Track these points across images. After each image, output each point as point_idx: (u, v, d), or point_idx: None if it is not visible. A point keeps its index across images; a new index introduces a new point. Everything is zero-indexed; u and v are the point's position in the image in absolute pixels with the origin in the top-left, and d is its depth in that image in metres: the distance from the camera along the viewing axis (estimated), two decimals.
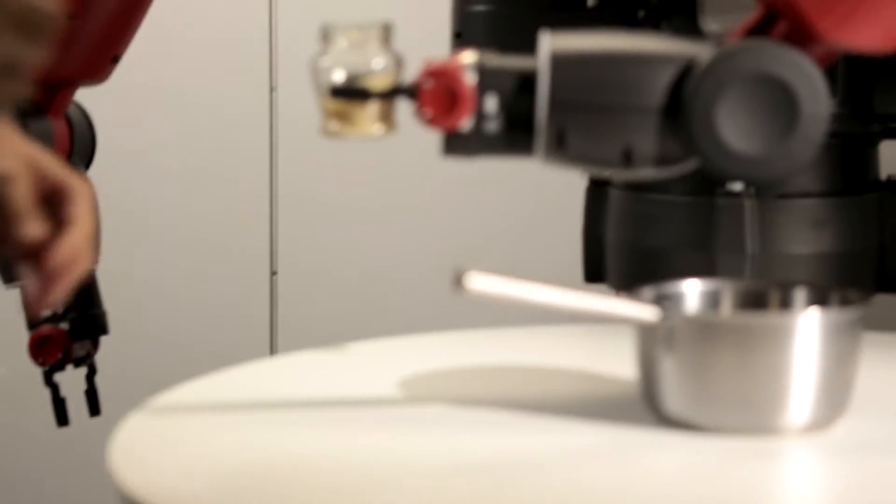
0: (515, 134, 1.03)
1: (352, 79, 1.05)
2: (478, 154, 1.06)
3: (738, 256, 1.48)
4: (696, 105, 0.98)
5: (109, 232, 1.34)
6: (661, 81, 0.99)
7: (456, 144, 1.05)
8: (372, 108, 1.06)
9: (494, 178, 2.32)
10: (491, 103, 1.04)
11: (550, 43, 1.04)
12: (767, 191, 1.32)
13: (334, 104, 1.06)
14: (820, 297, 1.09)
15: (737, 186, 1.48)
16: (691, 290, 1.11)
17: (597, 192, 1.65)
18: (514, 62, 1.06)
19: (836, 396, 1.01)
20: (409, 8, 2.25)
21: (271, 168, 2.44)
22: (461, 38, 1.56)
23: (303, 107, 2.33)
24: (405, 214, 2.44)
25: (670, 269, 1.52)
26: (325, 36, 1.07)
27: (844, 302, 1.06)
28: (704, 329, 1.00)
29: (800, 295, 1.10)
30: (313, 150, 2.35)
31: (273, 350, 2.49)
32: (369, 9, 2.28)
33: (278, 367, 1.26)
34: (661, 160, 1.01)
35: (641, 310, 1.00)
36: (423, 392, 1.13)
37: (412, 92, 1.04)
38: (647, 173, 1.02)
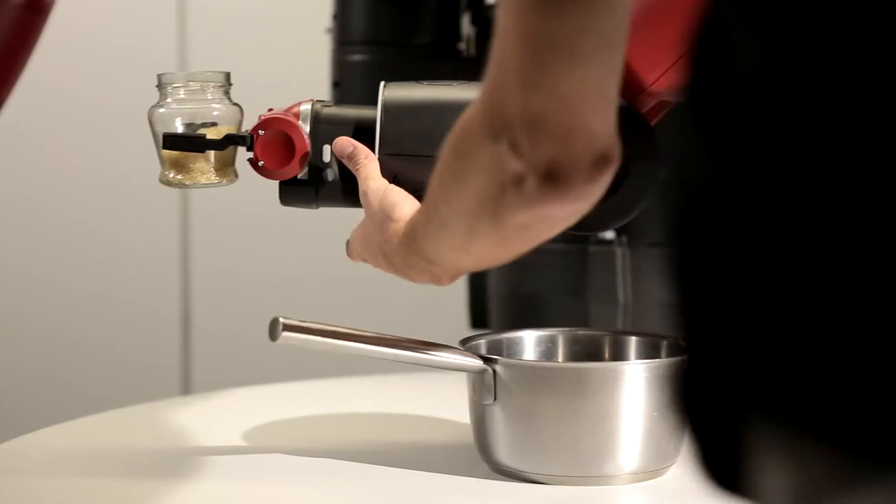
0: (352, 182, 1.04)
1: (189, 128, 1.06)
2: (315, 203, 1.07)
3: (611, 304, 1.49)
4: None
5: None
6: None
7: (293, 194, 1.06)
8: (208, 159, 1.06)
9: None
10: (328, 152, 1.05)
11: (385, 93, 1.06)
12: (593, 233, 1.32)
13: (171, 154, 1.06)
14: (654, 346, 1.10)
15: (609, 234, 1.49)
16: (528, 338, 1.12)
17: None
18: (351, 112, 1.08)
19: (665, 444, 1.02)
20: (290, 54, 2.26)
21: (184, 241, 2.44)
22: (339, 87, 1.57)
23: None
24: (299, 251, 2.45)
25: (547, 316, 1.53)
26: (162, 85, 1.08)
27: (676, 350, 1.06)
28: (530, 377, 1.00)
29: (635, 343, 1.11)
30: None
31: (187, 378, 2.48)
32: (256, 54, 2.30)
33: (131, 415, 1.25)
34: None
35: (465, 358, 1.01)
36: (262, 440, 1.13)
37: (247, 141, 1.05)
38: None
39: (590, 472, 1.00)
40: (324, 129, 1.06)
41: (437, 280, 0.94)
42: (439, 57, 1.56)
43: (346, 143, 1.04)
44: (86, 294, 2.38)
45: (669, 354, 1.06)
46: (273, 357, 1.94)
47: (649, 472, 1.01)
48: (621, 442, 1.00)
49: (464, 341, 1.06)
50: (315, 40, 1.74)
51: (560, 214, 0.80)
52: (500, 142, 0.75)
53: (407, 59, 1.55)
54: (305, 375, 1.45)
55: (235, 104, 1.09)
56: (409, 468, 1.03)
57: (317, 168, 1.06)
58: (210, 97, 1.07)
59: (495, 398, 1.00)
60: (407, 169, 1.02)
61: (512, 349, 1.10)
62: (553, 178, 0.75)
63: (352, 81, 1.56)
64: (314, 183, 1.06)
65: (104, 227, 2.38)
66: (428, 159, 1.02)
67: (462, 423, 1.07)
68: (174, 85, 1.07)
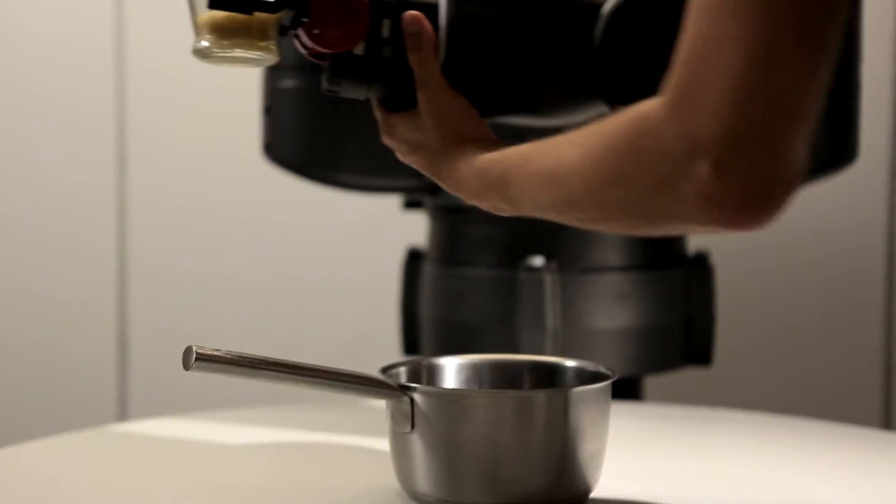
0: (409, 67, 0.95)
1: None
2: (367, 85, 0.96)
3: (540, 331, 1.49)
4: (608, 42, 0.95)
5: None
6: (567, 22, 0.95)
7: (346, 71, 0.95)
8: (253, 27, 0.93)
9: (313, 261, 2.32)
10: (386, 26, 0.96)
11: None
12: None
13: (211, 17, 0.93)
14: (578, 373, 1.10)
15: (537, 261, 1.49)
16: (451, 365, 1.12)
17: (412, 266, 1.66)
18: None
19: (583, 470, 1.02)
20: (224, 79, 2.26)
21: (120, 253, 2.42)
22: (271, 112, 1.57)
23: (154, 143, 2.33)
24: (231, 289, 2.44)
25: (478, 343, 1.53)
26: None
27: (598, 377, 1.06)
28: (448, 405, 1.00)
29: (559, 370, 1.11)
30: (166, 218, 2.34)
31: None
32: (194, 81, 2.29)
33: (54, 446, 1.24)
34: (562, 88, 0.97)
35: (383, 386, 1.00)
36: (181, 471, 1.12)
37: (302, 5, 0.93)
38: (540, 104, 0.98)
39: (509, 499, 0.99)
40: (380, 5, 0.95)
41: (498, 211, 0.95)
42: None
43: (415, 18, 0.96)
44: (17, 315, 2.36)
45: (591, 381, 1.06)
46: (204, 382, 1.93)
47: (567, 498, 1.01)
48: (540, 469, 1.00)
49: (385, 369, 1.06)
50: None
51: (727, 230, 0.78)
52: (697, 161, 0.72)
53: None
54: (236, 399, 1.45)
55: None
56: (329, 499, 1.03)
57: (373, 43, 0.95)
58: None
59: (413, 426, 1.00)
60: (475, 49, 0.95)
61: (433, 376, 1.10)
62: (750, 200, 0.72)
63: (283, 108, 1.56)
64: (370, 60, 0.95)
65: (36, 249, 2.36)
66: (497, 58, 0.95)
67: (382, 451, 1.07)
68: None
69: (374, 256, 2.22)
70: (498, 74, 0.95)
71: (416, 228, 1.83)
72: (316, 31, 0.93)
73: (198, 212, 2.33)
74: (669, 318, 1.55)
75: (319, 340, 2.29)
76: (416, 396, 1.00)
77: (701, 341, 1.57)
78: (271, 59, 0.95)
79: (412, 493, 1.02)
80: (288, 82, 1.55)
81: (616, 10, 0.94)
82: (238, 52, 0.94)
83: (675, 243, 1.59)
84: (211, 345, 0.95)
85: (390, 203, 1.90)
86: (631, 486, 1.07)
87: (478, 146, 0.95)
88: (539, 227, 1.51)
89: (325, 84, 0.98)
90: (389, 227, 2.08)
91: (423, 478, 1.01)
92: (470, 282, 1.55)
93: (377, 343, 2.06)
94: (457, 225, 1.57)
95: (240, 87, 2.05)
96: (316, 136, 1.56)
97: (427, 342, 1.61)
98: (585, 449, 1.01)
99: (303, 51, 0.97)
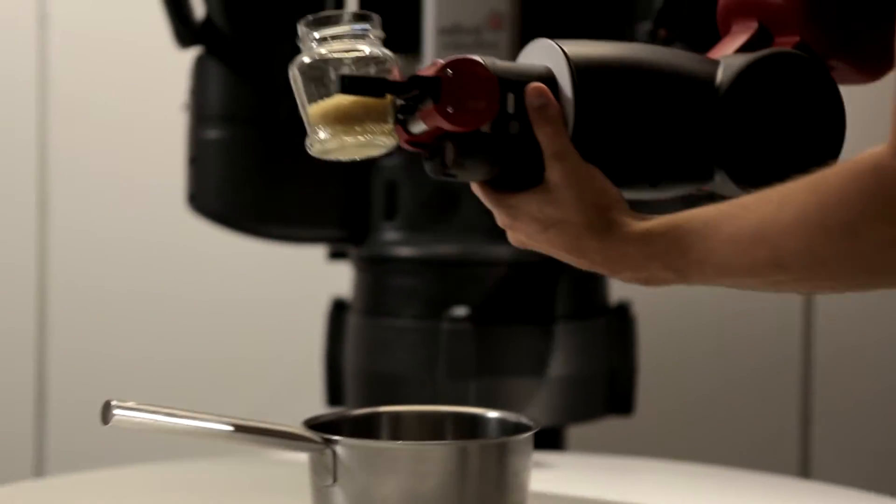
0: (533, 139, 0.92)
1: (361, 69, 0.90)
2: (496, 163, 0.93)
3: (463, 382, 1.50)
4: (730, 114, 0.94)
5: None
6: (688, 94, 0.94)
7: (475, 149, 0.91)
8: (377, 112, 0.90)
9: (236, 312, 2.32)
10: (511, 101, 0.92)
11: (568, 49, 0.94)
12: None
13: (332, 106, 0.89)
14: (500, 424, 1.10)
15: (461, 312, 1.50)
16: (375, 417, 1.12)
17: (336, 317, 1.66)
18: (526, 67, 0.94)
19: None
20: (146, 131, 2.25)
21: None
22: (196, 163, 1.57)
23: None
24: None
25: (401, 393, 1.53)
26: (307, 27, 0.92)
27: (520, 428, 1.07)
28: (370, 457, 1.00)
29: (481, 421, 1.11)
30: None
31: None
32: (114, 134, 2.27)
33: None
34: (683, 165, 0.95)
35: (304, 439, 1.00)
36: None
37: (434, 83, 0.89)
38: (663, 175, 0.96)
39: None
40: (504, 79, 0.91)
41: (652, 283, 0.92)
42: (296, 135, 1.57)
43: (539, 90, 0.92)
44: None
45: (514, 432, 1.06)
46: (125, 435, 1.90)
47: None
48: None
49: (307, 421, 1.05)
50: (172, 117, 1.74)
51: None
52: None
53: (264, 136, 1.56)
54: (157, 453, 1.43)
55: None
56: None
57: (500, 119, 0.92)
58: (371, 37, 0.92)
59: (335, 479, 1.00)
60: (602, 138, 0.93)
61: (357, 428, 1.10)
62: None
63: (208, 158, 1.56)
64: (498, 136, 0.92)
65: None
66: (622, 129, 0.92)
67: None
68: (326, 26, 0.91)
69: (298, 307, 2.21)
70: (622, 147, 0.94)
71: (340, 279, 1.84)
72: (450, 110, 0.90)
73: (119, 263, 2.31)
74: (591, 368, 1.56)
75: (242, 392, 2.27)
76: (339, 449, 1.00)
77: (622, 391, 1.59)
78: (393, 143, 0.92)
79: None
80: (213, 133, 1.55)
81: (735, 82, 0.95)
82: (363, 139, 0.90)
83: (598, 293, 1.60)
84: (131, 399, 0.94)
85: (315, 254, 1.90)
86: None
87: (629, 215, 0.92)
88: (462, 277, 1.53)
89: (437, 170, 0.93)
90: (314, 277, 2.08)
91: None
92: (394, 332, 1.55)
93: (300, 395, 2.05)
94: (381, 275, 1.58)
95: (166, 131, 2.04)
96: (241, 187, 1.56)
97: (351, 393, 1.60)
98: (508, 500, 1.01)
99: (408, 135, 0.94)
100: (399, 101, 0.92)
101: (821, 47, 0.98)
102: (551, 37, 0.95)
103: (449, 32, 1.52)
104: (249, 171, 1.56)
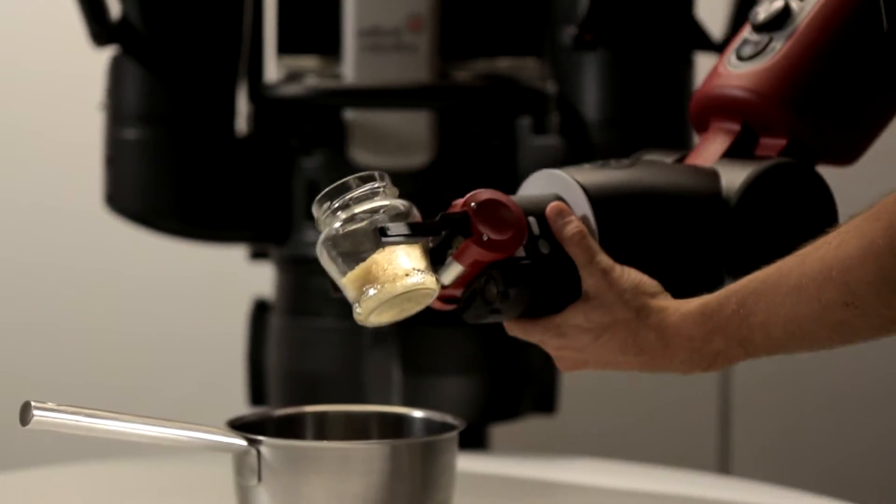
0: (565, 256, 0.94)
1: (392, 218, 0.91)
2: (535, 283, 0.94)
3: (387, 382, 1.50)
4: (739, 226, 0.97)
5: None
6: (695, 211, 0.98)
7: (516, 276, 0.93)
8: (417, 255, 0.91)
9: (157, 313, 2.30)
10: (534, 224, 0.95)
11: (580, 178, 0.98)
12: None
13: (367, 269, 0.90)
14: (425, 423, 1.10)
15: None
16: (299, 417, 1.11)
17: (258, 317, 1.65)
18: (532, 197, 0.98)
19: None
20: (63, 126, 2.22)
21: None
22: (113, 164, 1.55)
23: None
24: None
25: (325, 392, 1.52)
26: (324, 200, 0.94)
27: (445, 428, 1.07)
28: (294, 457, 0.99)
29: (406, 421, 1.11)
30: None
31: None
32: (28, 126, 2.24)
33: None
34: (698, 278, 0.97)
35: (228, 439, 0.99)
36: None
37: (462, 220, 0.92)
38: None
39: None
40: (522, 205, 0.94)
41: (717, 364, 0.91)
42: (215, 134, 1.55)
43: (559, 207, 0.95)
44: None
45: (439, 431, 1.06)
46: (43, 437, 1.88)
47: None
48: None
49: (230, 421, 1.04)
50: (89, 115, 1.71)
51: None
52: None
53: (182, 136, 1.54)
54: (77, 454, 1.41)
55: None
56: None
57: (530, 243, 0.94)
58: (386, 192, 0.94)
59: (260, 479, 0.99)
60: (620, 259, 0.95)
61: (281, 428, 1.09)
62: None
63: (125, 159, 1.55)
64: (532, 258, 0.94)
65: None
66: (644, 249, 0.96)
67: None
68: (341, 195, 0.93)
69: (219, 308, 2.20)
70: (639, 266, 0.95)
71: (261, 279, 1.82)
72: (485, 238, 0.91)
73: (36, 260, 2.27)
74: (514, 368, 1.57)
75: (163, 394, 2.25)
76: (263, 449, 0.99)
77: (545, 390, 1.59)
78: (437, 284, 0.93)
79: None
80: (130, 133, 1.54)
81: (742, 197, 0.98)
82: (419, 287, 0.91)
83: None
84: (49, 400, 0.92)
85: (236, 254, 1.88)
86: None
87: (675, 300, 0.93)
88: None
89: (479, 313, 0.95)
90: (235, 278, 2.07)
91: None
92: (317, 332, 1.54)
93: (223, 395, 2.03)
94: (303, 275, 1.57)
95: (80, 133, 2.01)
96: (159, 188, 1.55)
97: (274, 393, 1.59)
98: (434, 499, 1.01)
99: (446, 282, 0.94)
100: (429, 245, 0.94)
101: (810, 145, 1.02)
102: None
103: (368, 34, 1.52)
104: (167, 171, 1.54)
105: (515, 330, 0.98)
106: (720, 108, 1.04)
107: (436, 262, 0.94)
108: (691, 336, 0.91)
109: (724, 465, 2.19)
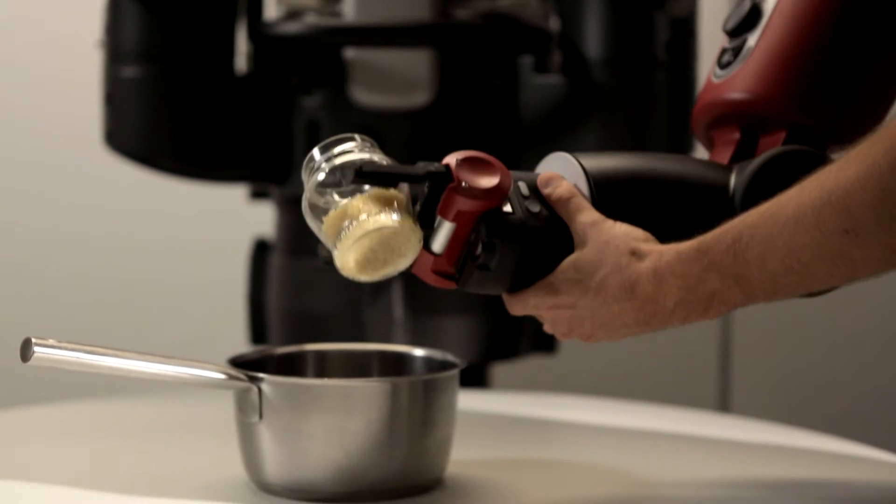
0: (554, 216, 0.93)
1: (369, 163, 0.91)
2: (523, 237, 0.93)
3: (388, 320, 1.50)
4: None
5: None
6: (700, 201, 0.96)
7: (503, 228, 0.92)
8: (401, 204, 0.91)
9: (158, 253, 2.30)
10: (524, 186, 0.94)
11: (577, 159, 0.96)
12: None
13: (344, 210, 0.90)
14: (426, 361, 1.10)
15: None
16: (300, 355, 1.11)
17: (259, 257, 1.65)
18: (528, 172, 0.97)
19: (431, 458, 1.02)
20: (60, 67, 2.21)
21: None
22: (112, 102, 1.54)
23: None
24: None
25: (326, 332, 1.53)
26: (310, 159, 0.94)
27: (446, 366, 1.07)
28: (295, 394, 1.00)
29: (407, 359, 1.11)
30: None
31: None
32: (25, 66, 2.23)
33: None
34: None
35: (230, 376, 0.99)
36: (10, 468, 1.09)
37: (443, 174, 0.91)
38: None
39: (358, 488, 1.00)
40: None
41: (714, 309, 0.88)
42: (214, 73, 1.55)
43: (549, 175, 0.94)
44: None
45: (440, 370, 1.06)
46: (44, 374, 1.89)
47: (416, 486, 1.02)
48: (388, 457, 1.00)
49: (232, 359, 1.05)
50: (87, 54, 1.70)
51: None
52: None
53: (181, 74, 1.54)
54: (76, 393, 1.42)
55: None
56: (176, 490, 1.02)
57: (517, 201, 0.93)
58: (365, 152, 0.94)
59: (261, 416, 0.99)
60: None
61: (283, 366, 1.09)
62: None
63: (124, 97, 1.54)
64: (518, 213, 0.93)
65: None
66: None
67: (230, 442, 1.06)
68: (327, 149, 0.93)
69: (220, 247, 2.20)
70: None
71: (262, 219, 1.82)
72: (464, 185, 0.91)
73: (38, 200, 2.27)
74: None
75: (164, 334, 2.25)
76: (264, 386, 0.99)
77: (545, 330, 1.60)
78: (420, 234, 0.92)
79: (260, 483, 1.02)
80: (128, 71, 1.53)
81: (749, 184, 0.96)
82: (385, 223, 0.90)
83: None
84: (51, 337, 0.93)
85: (236, 194, 1.88)
86: (479, 473, 1.08)
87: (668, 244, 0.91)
88: None
89: (472, 277, 0.94)
90: (235, 218, 2.07)
91: (272, 468, 1.00)
92: (317, 272, 1.54)
93: (224, 334, 2.04)
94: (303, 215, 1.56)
95: (79, 72, 2.00)
96: (159, 125, 1.54)
97: (275, 333, 1.60)
98: (434, 437, 1.02)
99: (433, 259, 0.94)
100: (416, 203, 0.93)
101: (814, 129, 1.00)
102: None
103: None
104: (166, 109, 1.53)
105: (514, 304, 0.97)
106: (715, 121, 1.03)
107: (426, 226, 0.93)
108: (685, 274, 0.88)
109: (723, 403, 2.20)
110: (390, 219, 0.91)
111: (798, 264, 0.84)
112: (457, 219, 0.92)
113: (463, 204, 0.92)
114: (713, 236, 0.89)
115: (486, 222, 0.92)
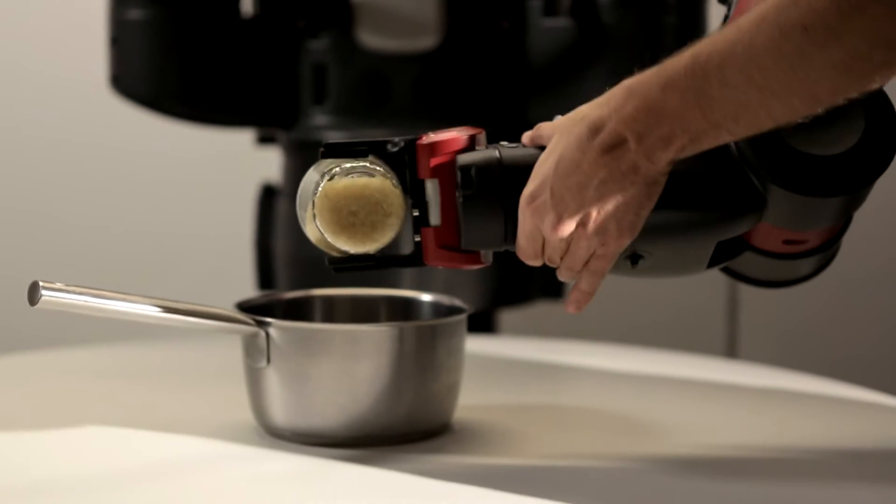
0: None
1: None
2: (501, 158, 0.92)
3: (395, 268, 1.49)
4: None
5: None
6: None
7: (477, 157, 0.92)
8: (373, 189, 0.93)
9: (165, 198, 2.29)
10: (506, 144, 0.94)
11: None
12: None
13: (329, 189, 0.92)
14: (434, 307, 1.10)
15: None
16: (307, 300, 1.11)
17: (266, 202, 1.64)
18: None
19: (438, 404, 1.02)
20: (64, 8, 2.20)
21: None
22: (117, 44, 1.53)
23: None
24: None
25: (333, 278, 1.52)
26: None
27: (454, 311, 1.07)
28: (303, 339, 1.00)
29: (414, 305, 1.11)
30: None
31: None
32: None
33: None
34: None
35: (237, 321, 0.99)
36: (23, 411, 1.10)
37: (408, 145, 0.93)
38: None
39: (365, 433, 1.00)
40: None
41: (674, 142, 0.84)
42: (220, 15, 1.53)
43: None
44: None
45: (447, 315, 1.06)
46: (50, 318, 1.89)
47: (424, 431, 1.02)
48: (396, 402, 1.00)
49: (240, 304, 1.05)
50: None
51: None
52: None
53: (187, 16, 1.53)
54: (83, 338, 1.42)
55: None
56: (184, 434, 1.02)
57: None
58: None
59: (269, 361, 0.99)
60: None
61: (289, 311, 1.09)
62: None
63: (130, 39, 1.53)
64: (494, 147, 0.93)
65: None
66: None
67: (237, 386, 1.06)
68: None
69: (227, 192, 2.19)
70: None
71: (269, 164, 1.82)
72: (430, 134, 0.93)
73: (42, 145, 2.26)
74: None
75: (171, 279, 2.25)
76: (272, 331, 0.99)
77: (553, 275, 1.59)
78: (399, 192, 0.93)
79: (268, 427, 1.02)
80: (135, 13, 1.51)
81: None
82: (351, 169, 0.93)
83: None
84: (58, 280, 0.92)
85: (243, 138, 1.87)
86: (487, 418, 1.08)
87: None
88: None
89: (465, 222, 0.93)
90: (242, 162, 2.06)
91: (279, 412, 1.00)
92: None
93: (231, 280, 2.04)
94: (311, 159, 1.55)
95: (85, 15, 1.99)
96: (165, 68, 1.53)
97: (282, 278, 1.59)
98: (441, 382, 1.02)
99: (433, 218, 0.94)
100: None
101: None
102: None
103: None
104: (171, 52, 1.52)
105: (519, 239, 0.94)
106: None
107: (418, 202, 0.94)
108: (644, 94, 0.84)
109: (731, 349, 2.20)
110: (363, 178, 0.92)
111: (758, 73, 0.81)
112: (436, 173, 0.93)
113: (435, 152, 0.92)
114: (673, 56, 0.85)
115: (459, 157, 0.92)
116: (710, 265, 0.95)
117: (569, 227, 0.90)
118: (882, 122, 0.91)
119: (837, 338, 2.20)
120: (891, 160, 0.90)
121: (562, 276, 0.95)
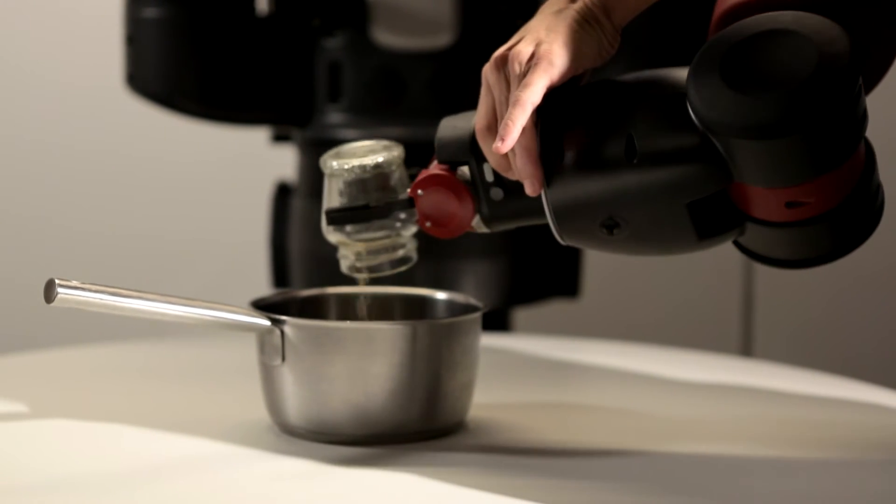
0: (518, 196, 0.97)
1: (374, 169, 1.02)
2: (490, 224, 1.02)
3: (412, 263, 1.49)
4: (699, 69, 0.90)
5: None
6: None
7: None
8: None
9: (180, 196, 2.30)
10: (488, 170, 0.99)
11: None
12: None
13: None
14: (448, 305, 1.10)
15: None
16: (323, 298, 1.11)
17: (281, 200, 1.65)
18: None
19: (453, 402, 1.02)
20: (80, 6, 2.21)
21: None
22: (133, 43, 1.53)
23: None
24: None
25: (348, 277, 1.52)
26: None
27: (468, 309, 1.07)
28: (318, 337, 1.00)
29: (429, 303, 1.11)
30: None
31: None
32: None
33: None
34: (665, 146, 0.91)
35: (252, 318, 0.99)
36: (39, 408, 1.10)
37: (411, 204, 1.03)
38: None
39: (379, 431, 1.00)
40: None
41: None
42: (236, 13, 1.54)
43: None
44: None
45: (462, 313, 1.06)
46: (66, 317, 1.89)
47: (438, 429, 1.02)
48: (410, 401, 1.00)
49: (255, 302, 1.05)
50: None
51: None
52: None
53: (203, 14, 1.53)
54: (98, 336, 1.43)
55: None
56: (199, 432, 1.02)
57: (483, 188, 1.00)
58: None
59: (283, 359, 0.99)
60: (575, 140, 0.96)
61: (304, 309, 1.09)
62: None
63: (146, 37, 1.53)
64: (484, 203, 1.00)
65: None
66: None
67: (252, 384, 1.06)
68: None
69: (242, 191, 2.20)
70: None
71: (284, 162, 1.82)
72: (427, 226, 1.06)
73: (58, 144, 2.27)
74: (538, 251, 1.57)
75: (187, 277, 2.26)
76: (287, 329, 0.99)
77: (569, 273, 1.59)
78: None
79: (282, 425, 1.02)
80: (151, 12, 1.52)
81: None
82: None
83: None
84: (74, 278, 0.93)
85: (258, 137, 1.88)
86: (502, 416, 1.08)
87: None
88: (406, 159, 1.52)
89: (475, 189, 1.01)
90: (257, 161, 2.06)
91: (294, 410, 1.01)
92: None
93: (246, 277, 2.04)
94: None
95: (100, 15, 2.00)
96: (180, 67, 1.53)
97: (297, 276, 1.60)
98: (456, 380, 1.02)
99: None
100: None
101: None
102: None
103: None
104: (187, 50, 1.53)
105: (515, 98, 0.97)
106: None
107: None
108: None
109: (746, 347, 2.19)
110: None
111: None
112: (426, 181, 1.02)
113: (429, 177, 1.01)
114: None
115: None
116: (703, 237, 0.93)
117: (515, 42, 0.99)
118: (834, 60, 0.86)
119: (854, 335, 2.19)
120: (843, 97, 0.86)
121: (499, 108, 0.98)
